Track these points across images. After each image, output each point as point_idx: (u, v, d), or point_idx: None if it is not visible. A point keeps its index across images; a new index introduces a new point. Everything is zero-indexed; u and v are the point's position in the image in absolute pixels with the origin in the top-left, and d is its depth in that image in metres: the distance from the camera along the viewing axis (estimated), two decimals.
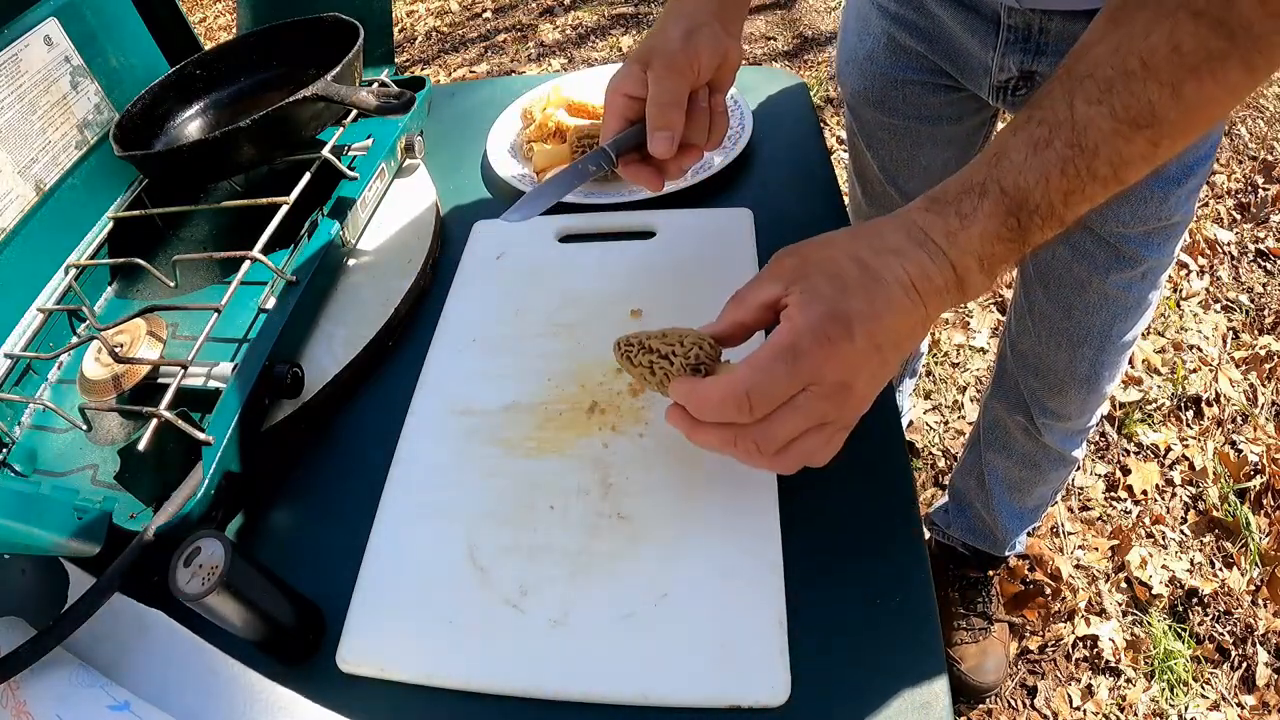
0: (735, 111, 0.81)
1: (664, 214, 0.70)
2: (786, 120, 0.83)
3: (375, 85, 0.76)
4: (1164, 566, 1.26)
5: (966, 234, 0.40)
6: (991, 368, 1.04)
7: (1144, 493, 1.36)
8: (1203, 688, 1.14)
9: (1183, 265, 1.71)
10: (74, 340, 0.66)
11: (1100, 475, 1.40)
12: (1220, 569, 1.26)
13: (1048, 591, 1.26)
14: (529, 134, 0.83)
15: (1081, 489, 1.39)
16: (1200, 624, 1.20)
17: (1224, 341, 1.57)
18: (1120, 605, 1.24)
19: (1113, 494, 1.38)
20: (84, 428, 0.58)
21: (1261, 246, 1.73)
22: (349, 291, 0.67)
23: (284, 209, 0.65)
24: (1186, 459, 1.40)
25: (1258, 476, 1.35)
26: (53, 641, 0.43)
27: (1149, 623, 1.21)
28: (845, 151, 1.01)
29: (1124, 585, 1.26)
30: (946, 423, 1.52)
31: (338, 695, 0.44)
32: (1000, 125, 0.75)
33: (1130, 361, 1.29)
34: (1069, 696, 1.16)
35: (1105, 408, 0.94)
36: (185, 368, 0.55)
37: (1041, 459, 0.98)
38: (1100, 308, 0.77)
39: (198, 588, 0.40)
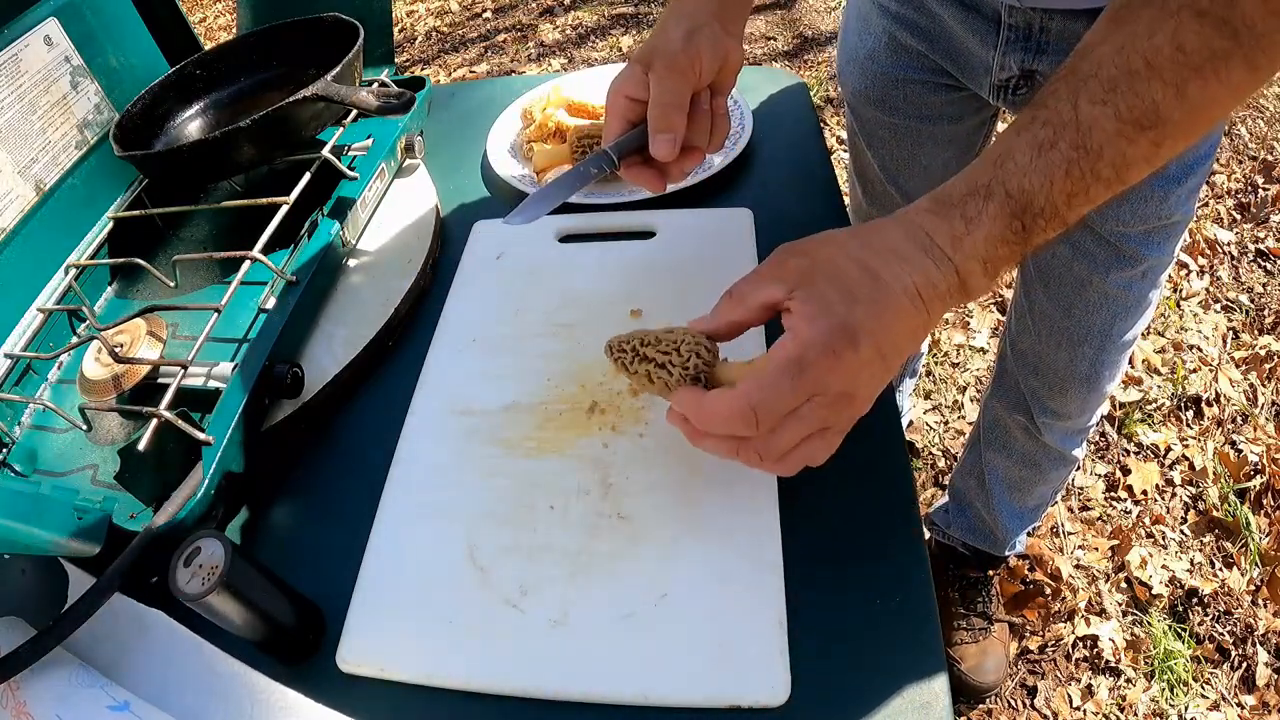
0: (735, 112, 0.81)
1: (664, 214, 0.70)
2: (786, 120, 0.83)
3: (375, 85, 0.76)
4: (1164, 566, 1.26)
5: (971, 239, 0.39)
6: (991, 367, 1.04)
7: (1144, 493, 1.36)
8: (1203, 688, 1.14)
9: (1183, 265, 1.71)
10: (74, 340, 0.66)
11: (1100, 475, 1.40)
12: (1220, 569, 1.26)
13: (1048, 591, 1.26)
14: (529, 134, 0.83)
15: (1081, 489, 1.39)
16: (1200, 624, 1.20)
17: (1224, 341, 1.57)
18: (1120, 605, 1.24)
19: (1113, 494, 1.38)
20: (84, 428, 0.58)
21: (1261, 246, 1.73)
22: (349, 291, 0.67)
23: (284, 209, 0.65)
24: (1186, 459, 1.40)
25: (1258, 476, 1.35)
26: (53, 641, 0.43)
27: (1149, 623, 1.21)
28: (845, 151, 1.01)
29: (1124, 585, 1.26)
30: (946, 423, 1.52)
31: (338, 695, 0.44)
32: (1001, 125, 0.75)
33: (1130, 361, 1.29)
34: (1069, 696, 1.16)
35: (1105, 407, 0.94)
36: (185, 368, 0.55)
37: (1042, 458, 0.98)
38: (1100, 307, 0.77)
39: (198, 588, 0.40)
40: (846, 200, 0.91)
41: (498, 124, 0.86)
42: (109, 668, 0.46)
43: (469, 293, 0.67)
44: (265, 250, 0.62)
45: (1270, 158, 1.90)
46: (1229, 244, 1.74)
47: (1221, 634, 1.19)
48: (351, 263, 0.70)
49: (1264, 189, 1.83)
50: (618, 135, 0.53)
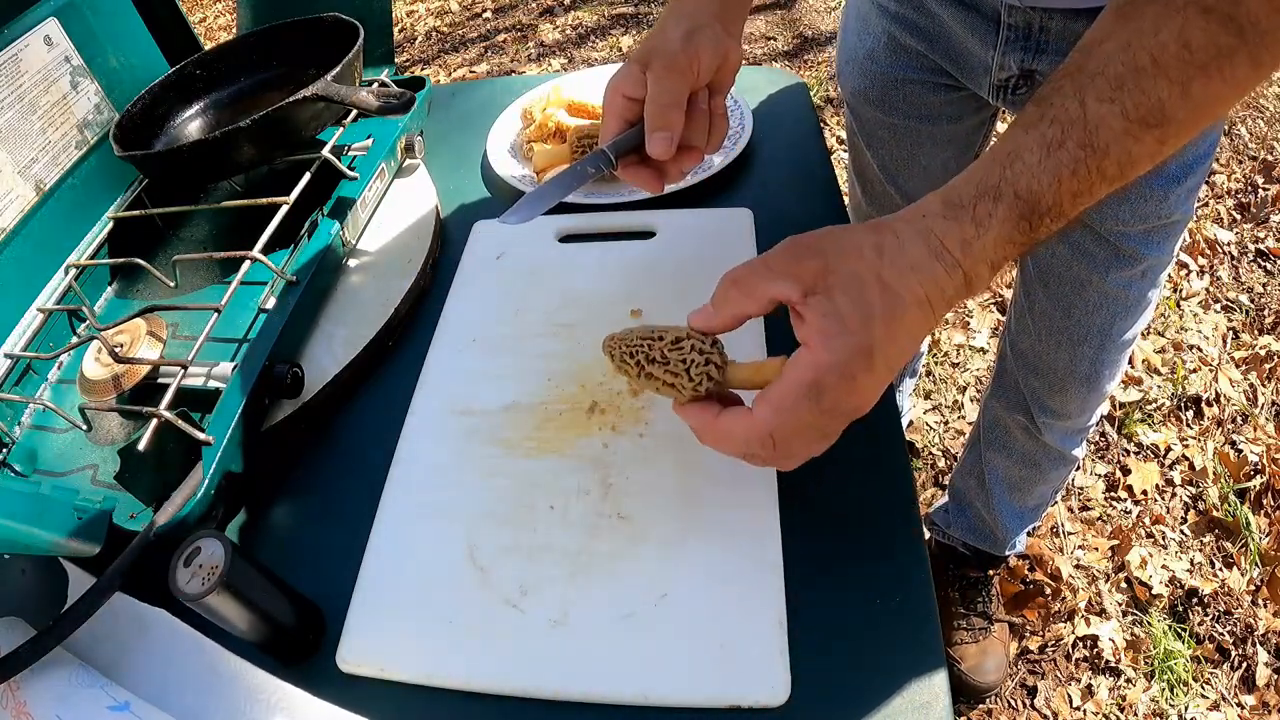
0: (735, 112, 0.81)
1: (664, 214, 0.70)
2: (786, 120, 0.83)
3: (375, 85, 0.76)
4: (1164, 566, 1.26)
5: (981, 242, 0.39)
6: (991, 367, 1.04)
7: (1144, 493, 1.36)
8: (1203, 688, 1.14)
9: (1183, 265, 1.71)
10: (74, 340, 0.66)
11: (1100, 475, 1.40)
12: (1220, 569, 1.26)
13: (1048, 591, 1.26)
14: (529, 134, 0.83)
15: (1081, 489, 1.39)
16: (1200, 624, 1.20)
17: (1224, 341, 1.57)
18: (1120, 605, 1.24)
19: (1113, 494, 1.38)
20: (84, 428, 0.58)
21: (1261, 246, 1.73)
22: (349, 291, 0.67)
23: (284, 209, 0.65)
24: (1186, 459, 1.40)
25: (1258, 476, 1.35)
26: (53, 641, 0.43)
27: (1149, 623, 1.21)
28: (845, 151, 1.01)
29: (1124, 585, 1.26)
30: (946, 423, 1.52)
31: (338, 695, 0.44)
32: (1000, 125, 0.75)
33: (1130, 361, 1.29)
34: (1069, 696, 1.16)
35: (1105, 407, 0.94)
36: (185, 368, 0.55)
37: (1041, 458, 0.98)
38: (1100, 306, 0.77)
39: (198, 588, 0.40)
40: (846, 200, 0.91)
41: (498, 124, 0.86)
42: (109, 668, 0.46)
43: (469, 293, 0.67)
44: (265, 250, 0.62)
45: (1270, 158, 1.90)
46: (1229, 244, 1.74)
47: (1221, 634, 1.19)
48: (351, 263, 0.70)
49: (1264, 189, 1.83)
50: (615, 134, 0.53)
